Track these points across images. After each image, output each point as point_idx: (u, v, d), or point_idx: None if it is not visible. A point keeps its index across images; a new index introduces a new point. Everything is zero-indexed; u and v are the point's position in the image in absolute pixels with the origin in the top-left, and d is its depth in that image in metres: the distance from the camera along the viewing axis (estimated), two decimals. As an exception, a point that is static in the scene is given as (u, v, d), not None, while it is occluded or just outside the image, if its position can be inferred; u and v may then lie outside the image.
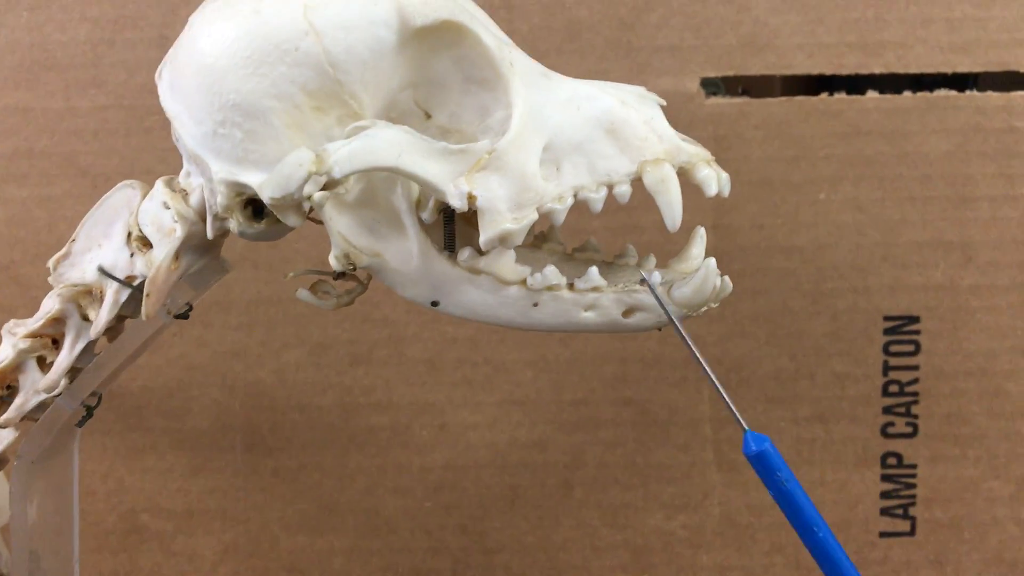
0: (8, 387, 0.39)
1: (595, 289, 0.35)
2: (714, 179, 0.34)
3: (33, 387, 0.39)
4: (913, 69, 0.62)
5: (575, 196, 0.33)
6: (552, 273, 0.34)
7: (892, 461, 0.64)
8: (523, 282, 0.34)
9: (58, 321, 0.38)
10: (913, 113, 0.62)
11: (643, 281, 0.34)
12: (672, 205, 0.33)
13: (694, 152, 0.34)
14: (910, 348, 0.63)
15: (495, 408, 0.64)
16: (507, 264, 0.34)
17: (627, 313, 0.35)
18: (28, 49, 0.62)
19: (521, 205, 0.32)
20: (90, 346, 0.39)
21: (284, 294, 0.63)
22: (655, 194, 0.33)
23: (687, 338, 0.36)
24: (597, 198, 0.33)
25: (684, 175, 0.34)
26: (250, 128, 0.33)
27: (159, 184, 0.37)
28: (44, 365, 0.39)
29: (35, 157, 0.63)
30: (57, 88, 0.62)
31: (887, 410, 0.64)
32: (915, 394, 0.64)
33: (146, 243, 0.37)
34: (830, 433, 0.64)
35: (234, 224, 0.35)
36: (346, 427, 0.65)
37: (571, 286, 0.35)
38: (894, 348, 0.63)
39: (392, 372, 0.64)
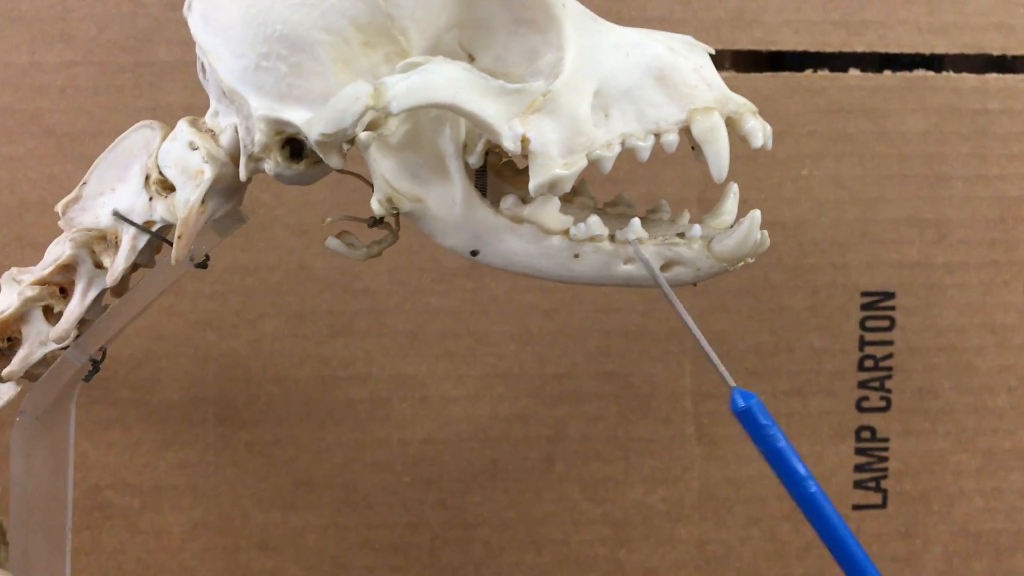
0: (9, 339, 0.37)
1: (637, 240, 0.34)
2: (760, 131, 0.34)
3: (38, 338, 0.36)
4: (893, 49, 0.63)
5: (622, 144, 0.33)
6: (596, 223, 0.34)
7: (866, 435, 0.66)
8: (566, 232, 0.34)
9: (68, 268, 0.36)
10: (893, 92, 0.63)
11: (634, 245, 0.34)
12: (720, 155, 0.33)
13: (742, 103, 0.34)
14: (885, 324, 0.65)
15: (477, 381, 0.63)
16: (551, 213, 0.33)
17: (666, 267, 0.35)
18: (-9, 0, 0.59)
19: (572, 151, 0.32)
20: (101, 295, 0.37)
21: (261, 262, 0.61)
22: (703, 143, 0.33)
23: (674, 299, 0.35)
24: (645, 146, 0.33)
25: (730, 126, 0.33)
26: (296, 61, 0.31)
27: (183, 124, 0.35)
28: (50, 315, 0.37)
29: (-3, 114, 0.60)
30: (22, 41, 0.59)
31: (862, 384, 0.65)
32: (889, 369, 0.65)
33: (166, 186, 0.35)
34: (807, 407, 0.65)
35: (270, 165, 0.34)
36: (324, 400, 0.63)
37: (611, 238, 0.34)
38: (870, 323, 0.65)
39: (372, 344, 0.63)
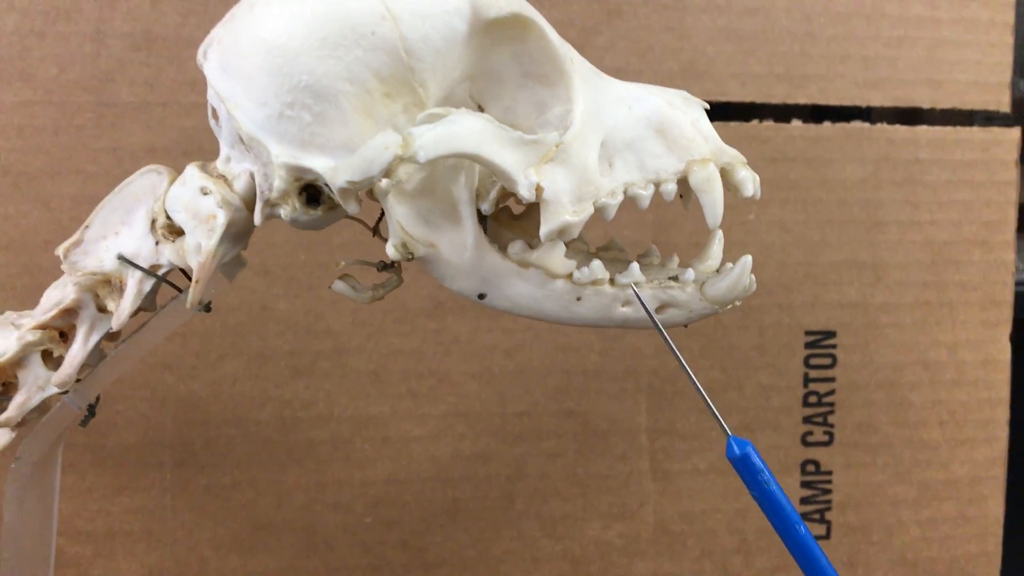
0: (3, 384, 0.36)
1: (635, 284, 0.36)
2: (751, 181, 0.36)
3: (36, 383, 0.36)
4: (832, 101, 0.67)
5: (625, 192, 0.35)
6: (598, 267, 0.35)
7: (811, 468, 0.68)
8: (569, 276, 0.35)
9: (70, 312, 0.36)
10: (832, 142, 0.66)
11: (633, 289, 0.36)
12: (716, 204, 0.35)
13: (733, 154, 0.36)
14: (827, 361, 0.68)
15: (439, 420, 0.64)
16: (557, 257, 0.35)
17: (661, 309, 0.36)
18: (-55, 37, 0.58)
19: (581, 199, 0.33)
20: (101, 340, 0.36)
21: (222, 302, 0.61)
22: (700, 192, 0.35)
23: (673, 346, 0.37)
24: (645, 195, 0.35)
25: (722, 176, 0.35)
26: (319, 111, 0.32)
27: (192, 169, 0.36)
28: (48, 360, 0.36)
29: (-51, 152, 0.58)
30: (-22, 80, 0.58)
31: (807, 420, 0.68)
32: (832, 404, 0.68)
33: (174, 230, 0.35)
34: (756, 441, 0.67)
35: (287, 210, 0.34)
36: (284, 442, 0.63)
37: (611, 281, 0.36)
38: (813, 361, 0.68)
39: (335, 384, 0.63)
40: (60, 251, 0.36)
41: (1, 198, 0.59)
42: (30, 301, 0.60)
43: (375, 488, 0.64)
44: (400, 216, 0.33)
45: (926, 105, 0.68)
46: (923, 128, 0.67)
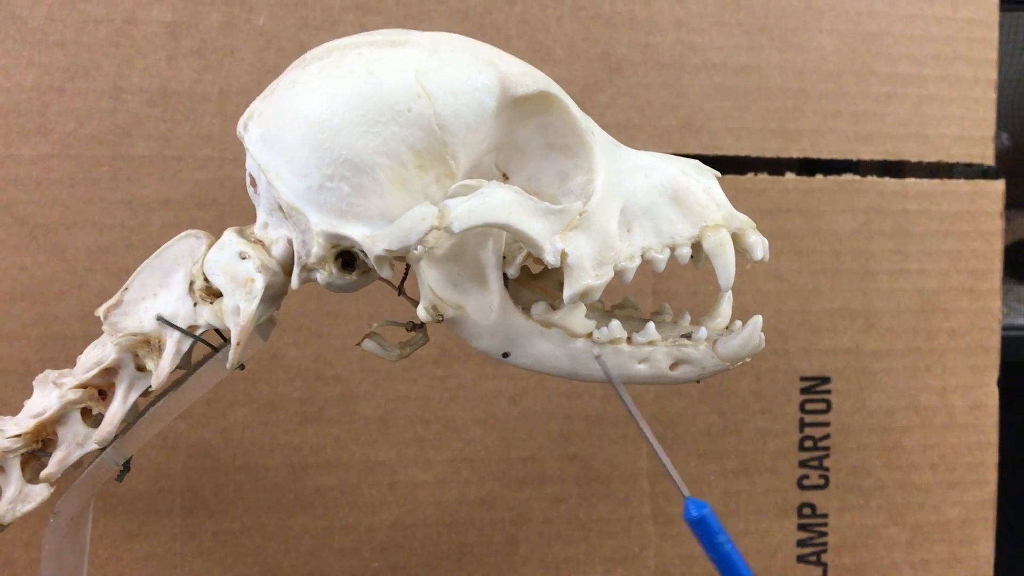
0: (42, 441, 0.37)
1: (651, 343, 0.37)
2: (760, 245, 0.38)
3: (75, 440, 0.37)
4: (824, 155, 0.69)
5: (642, 256, 0.36)
6: (617, 327, 0.37)
7: (807, 511, 0.70)
8: (589, 335, 0.37)
9: (109, 371, 0.37)
10: (825, 194, 0.69)
11: (598, 356, 0.37)
12: (728, 267, 0.37)
13: (744, 220, 0.38)
14: (822, 406, 0.70)
15: (445, 466, 0.65)
16: (578, 318, 0.36)
17: (674, 366, 0.38)
18: (-34, 92, 0.59)
19: (602, 263, 0.35)
20: (138, 398, 0.37)
21: (233, 352, 0.62)
22: (713, 256, 0.37)
23: (632, 407, 0.38)
24: (661, 258, 0.37)
25: (734, 240, 0.37)
26: (358, 183, 0.34)
27: (230, 234, 0.37)
28: (87, 417, 0.38)
29: (-33, 204, 0.60)
30: (-3, 134, 0.60)
31: (803, 464, 0.70)
32: (827, 448, 0.70)
33: (211, 293, 0.37)
34: (754, 485, 0.69)
35: (323, 275, 0.36)
36: (293, 488, 0.64)
37: (628, 340, 0.37)
38: (809, 406, 0.69)
39: (343, 431, 0.64)
40: (100, 312, 0.37)
41: (18, 249, 0.60)
42: (44, 349, 0.61)
43: (382, 533, 0.65)
44: (431, 280, 0.35)
45: (914, 158, 0.70)
46: (911, 180, 0.70)
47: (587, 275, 0.35)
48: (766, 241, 0.39)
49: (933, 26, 0.70)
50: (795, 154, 0.69)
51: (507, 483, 0.66)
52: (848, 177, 0.69)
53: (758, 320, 0.38)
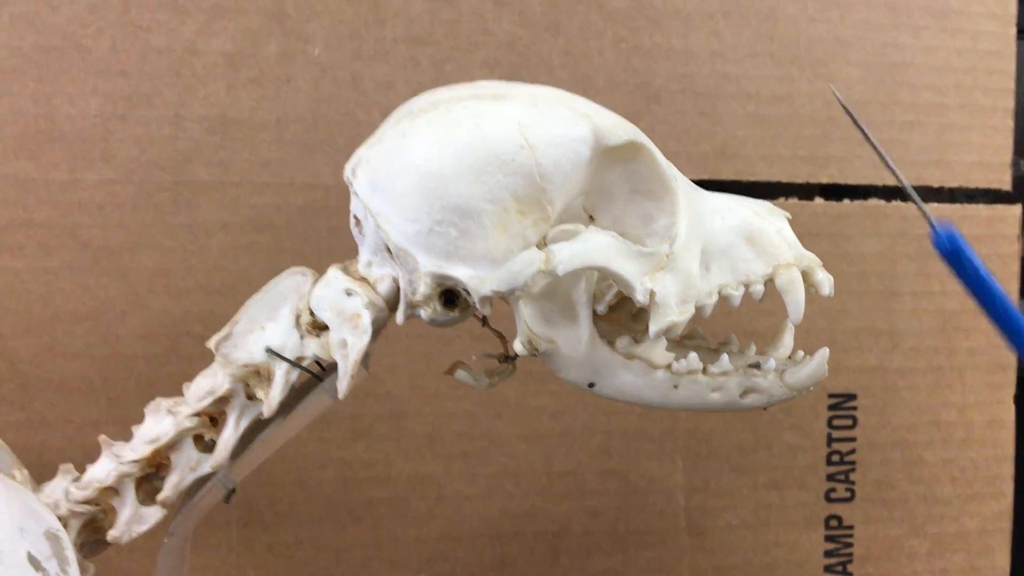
0: (156, 466, 0.40)
1: (724, 373, 0.40)
2: (827, 283, 0.41)
3: (188, 464, 0.39)
4: (852, 181, 0.72)
5: (719, 293, 0.39)
6: (694, 359, 0.40)
7: (834, 523, 0.73)
8: (669, 366, 0.39)
9: (222, 400, 0.39)
10: (852, 218, 0.72)
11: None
12: (799, 303, 0.39)
13: (812, 258, 0.40)
14: (848, 422, 0.72)
15: (489, 480, 0.68)
16: (659, 351, 0.39)
17: (744, 394, 0.41)
18: (33, 119, 0.61)
19: (685, 301, 0.38)
20: (248, 425, 0.40)
21: (288, 370, 0.65)
22: (785, 293, 0.39)
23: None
24: (737, 295, 0.39)
25: (803, 277, 0.40)
26: (464, 228, 0.36)
27: (335, 272, 0.40)
28: (199, 442, 0.40)
29: (34, 228, 0.62)
30: (62, 160, 0.62)
31: (830, 477, 0.72)
32: (852, 463, 0.73)
33: (317, 326, 0.39)
34: (783, 498, 0.72)
35: (427, 312, 0.38)
36: (344, 501, 0.66)
37: (704, 370, 0.40)
38: (836, 422, 0.72)
39: (392, 446, 0.66)
40: (211, 344, 0.40)
41: (82, 271, 0.62)
42: (107, 368, 0.63)
43: (429, 544, 0.67)
44: (527, 317, 0.37)
45: (935, 184, 0.73)
46: (933, 205, 0.73)
47: (672, 312, 0.37)
48: (832, 278, 0.41)
49: (954, 57, 0.73)
50: (824, 180, 0.71)
51: (548, 497, 0.68)
52: (874, 202, 0.72)
53: (825, 352, 0.41)
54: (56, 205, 0.62)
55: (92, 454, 0.63)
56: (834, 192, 0.72)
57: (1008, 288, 0.74)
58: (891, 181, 0.72)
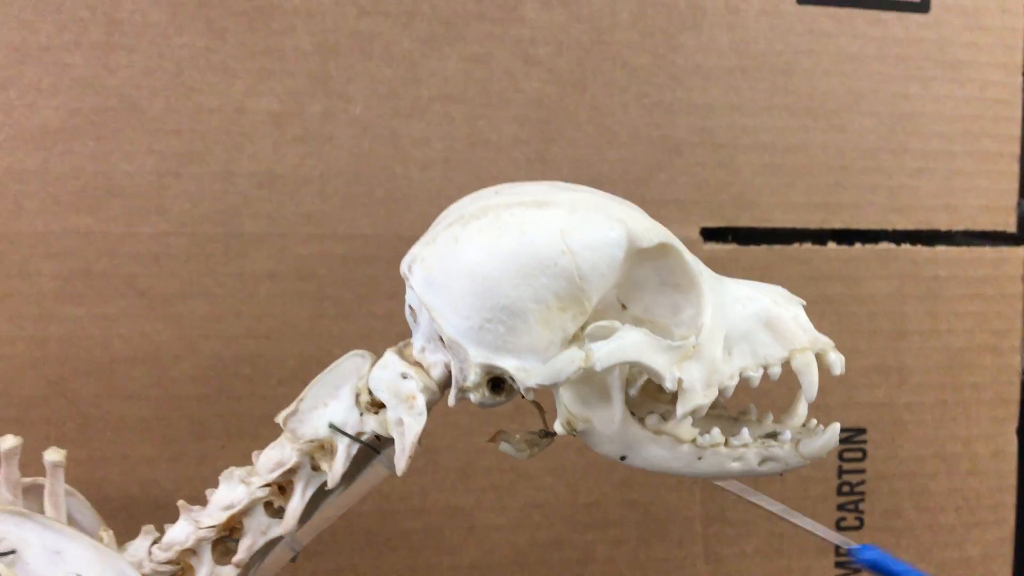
0: (231, 529, 0.44)
1: (744, 445, 0.44)
2: (839, 363, 0.45)
3: (259, 528, 0.43)
4: (863, 226, 0.75)
5: (740, 375, 0.43)
6: (717, 434, 0.44)
7: (844, 551, 0.77)
8: (693, 440, 0.43)
9: (291, 471, 0.44)
10: (863, 262, 0.75)
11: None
12: (813, 384, 0.43)
13: (826, 341, 0.44)
14: (859, 455, 0.76)
15: (518, 511, 0.72)
16: (685, 427, 0.43)
17: (762, 463, 0.45)
18: (92, 176, 0.66)
19: (709, 385, 0.42)
20: (313, 494, 0.44)
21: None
22: (801, 374, 0.43)
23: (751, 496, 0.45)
24: (756, 376, 0.43)
25: (816, 359, 0.44)
26: (511, 324, 0.40)
27: (391, 355, 0.44)
28: (269, 508, 0.44)
29: (93, 278, 0.66)
30: (120, 214, 0.66)
31: (840, 507, 0.76)
32: (862, 493, 0.76)
33: (375, 404, 0.43)
34: (796, 527, 0.76)
35: (476, 396, 0.42)
36: (382, 531, 0.70)
37: (726, 443, 0.44)
38: (846, 455, 0.76)
39: (427, 480, 0.71)
40: (280, 419, 0.44)
41: (139, 318, 0.66)
42: (161, 408, 0.67)
43: (461, 572, 0.71)
44: (567, 400, 0.41)
45: (944, 227, 0.77)
46: (942, 248, 0.76)
47: (698, 396, 0.41)
48: (843, 358, 0.45)
49: (962, 106, 0.76)
50: (836, 225, 0.75)
51: (574, 526, 0.73)
52: (884, 246, 0.76)
53: (836, 426, 0.45)
54: (114, 256, 0.66)
55: (148, 489, 0.67)
56: (846, 237, 0.76)
57: (1012, 326, 0.78)
58: (901, 226, 0.76)
